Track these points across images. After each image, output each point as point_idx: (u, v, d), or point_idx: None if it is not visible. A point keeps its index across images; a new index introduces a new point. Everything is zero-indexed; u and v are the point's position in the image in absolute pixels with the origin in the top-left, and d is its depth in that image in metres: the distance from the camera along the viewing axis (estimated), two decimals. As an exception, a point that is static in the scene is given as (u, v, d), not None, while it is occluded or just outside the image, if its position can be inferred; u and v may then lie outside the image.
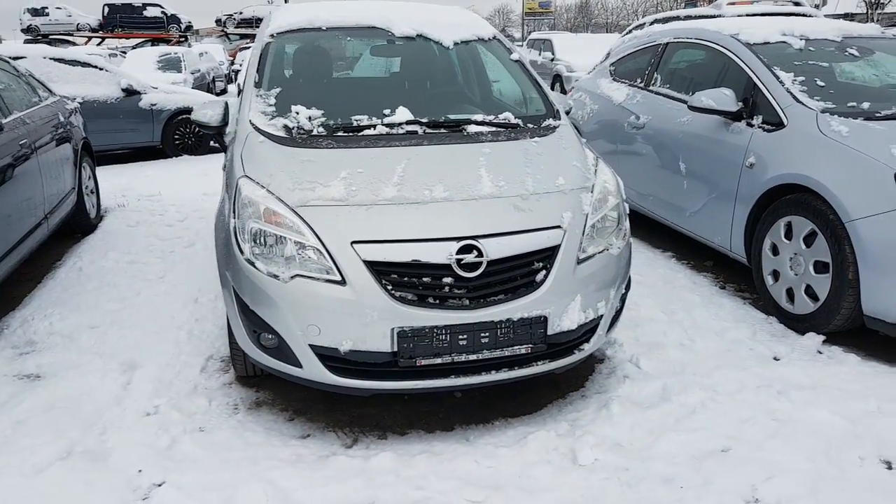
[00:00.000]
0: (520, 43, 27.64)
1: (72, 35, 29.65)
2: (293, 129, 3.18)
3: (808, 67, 4.16)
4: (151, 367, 3.32)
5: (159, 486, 2.46)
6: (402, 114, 3.28)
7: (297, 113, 3.25)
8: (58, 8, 29.74)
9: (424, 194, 2.71)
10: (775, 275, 3.83)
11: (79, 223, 5.61)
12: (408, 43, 3.82)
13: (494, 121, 3.36)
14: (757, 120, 4.04)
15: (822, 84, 4.00)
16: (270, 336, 2.67)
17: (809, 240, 3.58)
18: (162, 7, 30.89)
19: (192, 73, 15.64)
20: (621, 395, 3.01)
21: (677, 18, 9.78)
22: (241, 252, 2.71)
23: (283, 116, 3.25)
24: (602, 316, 2.85)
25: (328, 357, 2.60)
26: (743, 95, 4.20)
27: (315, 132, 3.17)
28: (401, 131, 3.20)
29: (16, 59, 7.80)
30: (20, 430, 2.80)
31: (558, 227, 2.73)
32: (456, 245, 2.57)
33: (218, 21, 34.63)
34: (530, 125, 3.39)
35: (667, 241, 5.22)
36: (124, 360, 3.37)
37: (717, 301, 4.08)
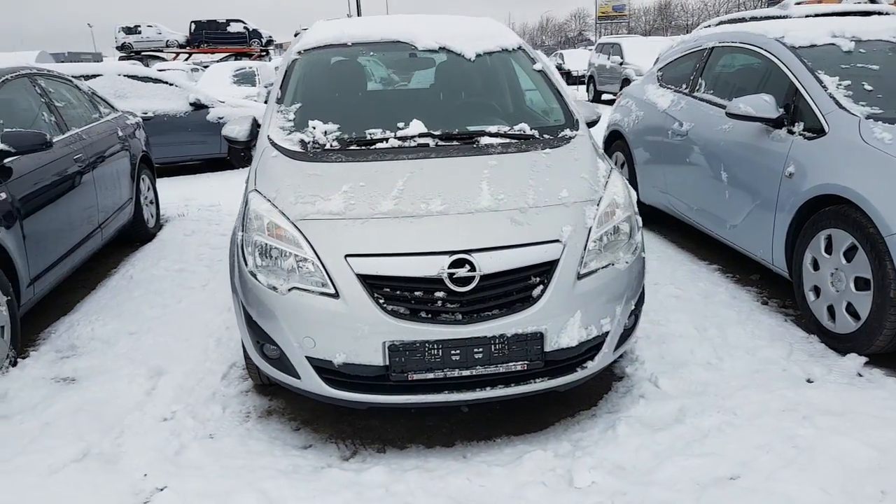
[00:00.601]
0: (590, 48, 27.21)
1: (161, 51, 31.28)
2: (308, 143, 3.24)
3: (856, 71, 3.92)
4: (177, 373, 3.44)
5: (161, 490, 2.54)
6: (416, 127, 3.29)
7: (314, 127, 3.32)
8: (149, 26, 31.47)
9: (421, 208, 2.71)
10: (816, 291, 3.62)
11: (137, 232, 5.91)
12: (431, 56, 3.84)
13: (509, 132, 3.33)
14: (798, 127, 3.83)
15: (870, 88, 3.75)
16: (273, 347, 2.73)
17: (850, 254, 3.36)
18: (244, 23, 32.20)
19: (266, 87, 16.18)
20: (632, 416, 2.91)
21: (743, 20, 9.41)
22: (246, 264, 2.79)
23: (300, 131, 3.33)
24: (608, 333, 2.76)
25: (323, 369, 2.63)
26: (785, 101, 3.99)
27: (328, 146, 3.22)
28: (412, 144, 3.21)
29: (93, 76, 8.33)
30: (46, 432, 2.96)
31: (557, 241, 2.67)
32: (448, 259, 2.55)
33: (296, 34, 35.72)
34: (546, 136, 3.33)
35: (714, 253, 5.01)
36: (153, 367, 3.50)
37: (755, 318, 3.88)
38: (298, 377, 2.69)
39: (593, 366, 2.76)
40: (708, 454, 2.63)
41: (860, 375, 3.21)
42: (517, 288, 2.61)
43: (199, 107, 9.21)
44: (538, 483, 2.50)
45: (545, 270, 2.64)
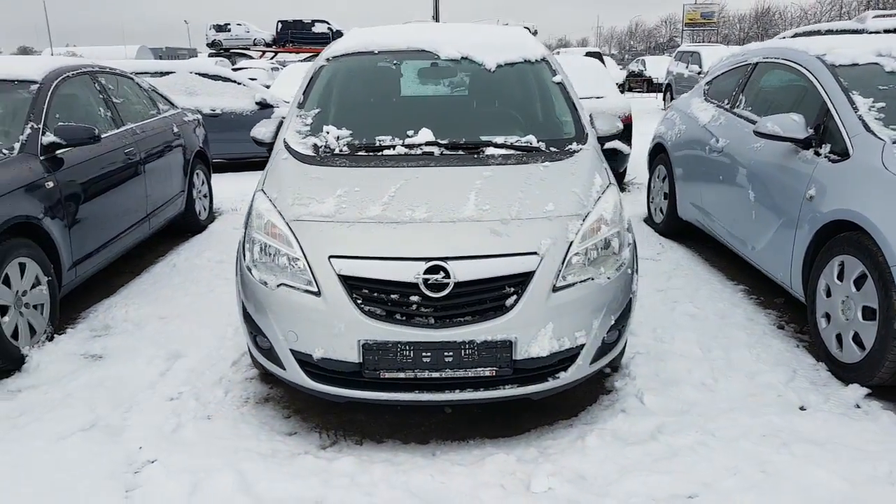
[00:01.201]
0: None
1: (249, 49, 32.56)
2: (321, 147, 3.42)
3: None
4: (192, 357, 3.68)
5: (152, 462, 2.76)
6: (424, 135, 3.41)
7: (328, 132, 3.49)
8: (238, 24, 32.84)
9: (406, 214, 2.82)
10: (828, 318, 3.52)
11: (189, 224, 6.27)
12: (452, 65, 3.95)
13: (515, 144, 3.40)
14: (825, 149, 3.74)
15: (904, 111, 3.62)
16: (264, 339, 2.90)
17: (860, 283, 3.27)
18: (328, 23, 33.14)
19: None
20: (607, 429, 2.93)
21: (819, 32, 9.08)
22: (244, 259, 2.98)
23: (315, 135, 3.51)
24: (583, 346, 2.80)
25: (305, 362, 2.79)
26: (816, 122, 3.89)
27: (338, 151, 3.39)
28: (418, 152, 3.33)
29: (166, 73, 8.85)
30: (65, 402, 3.25)
31: (534, 253, 2.73)
32: (424, 265, 2.66)
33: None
34: (553, 149, 3.39)
35: (744, 274, 4.91)
36: (172, 350, 3.76)
37: (766, 341, 3.80)
38: (284, 368, 2.85)
39: (566, 377, 2.81)
40: (673, 472, 2.63)
41: (858, 407, 3.11)
42: (491, 297, 2.69)
43: (264, 106, 9.62)
44: (496, 485, 2.57)
45: (521, 281, 2.71)
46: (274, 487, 2.58)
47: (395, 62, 4.03)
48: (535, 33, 35.82)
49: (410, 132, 3.45)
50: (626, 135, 7.82)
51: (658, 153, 6.20)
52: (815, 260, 3.62)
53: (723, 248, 5.23)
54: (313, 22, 33.26)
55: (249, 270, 2.93)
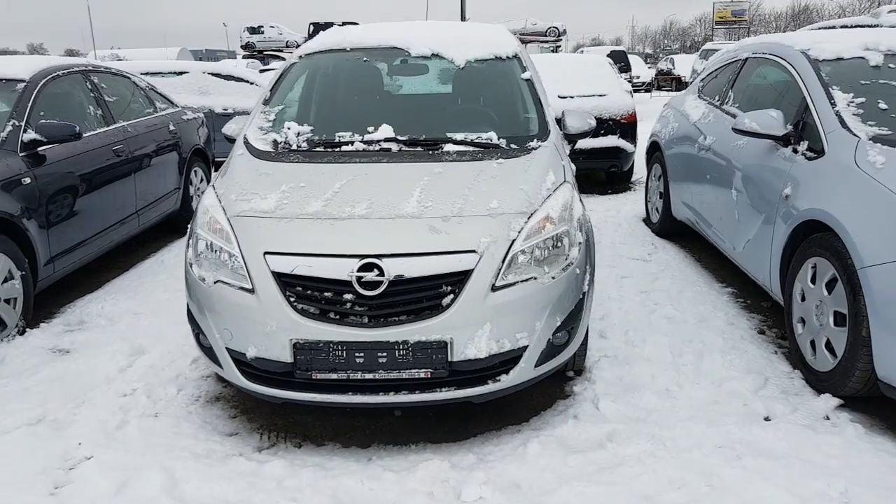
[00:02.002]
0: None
1: (282, 51, 32.87)
2: (280, 143, 3.38)
3: (878, 87, 3.60)
4: (154, 353, 3.67)
5: (88, 459, 2.74)
6: (384, 131, 3.36)
7: (289, 128, 3.45)
8: (271, 27, 33.19)
9: (345, 211, 2.76)
10: (803, 323, 3.36)
11: (185, 220, 6.30)
12: (422, 62, 3.88)
13: (475, 140, 3.32)
14: (802, 146, 3.58)
15: (885, 107, 3.44)
16: (204, 336, 2.87)
17: (831, 286, 3.11)
18: (359, 25, 33.27)
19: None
20: (554, 435, 2.83)
21: (833, 28, 8.78)
22: (187, 255, 2.95)
23: (276, 132, 3.47)
24: (525, 348, 2.71)
25: (240, 361, 2.74)
26: (796, 118, 3.73)
27: (295, 147, 3.34)
28: (376, 148, 3.28)
29: (180, 73, 8.94)
30: (20, 396, 3.26)
31: (472, 251, 2.64)
32: (357, 262, 2.59)
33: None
34: (513, 145, 3.30)
35: (734, 276, 4.74)
36: (137, 346, 3.76)
37: (742, 347, 3.65)
38: (222, 367, 2.82)
39: (508, 380, 2.72)
40: (614, 483, 2.52)
41: (826, 418, 2.95)
42: (427, 296, 2.61)
43: (274, 104, 9.64)
44: (425, 493, 2.49)
45: (458, 280, 2.63)
46: (200, 488, 2.54)
47: (364, 59, 3.98)
48: (563, 32, 35.57)
49: (371, 128, 3.40)
50: (631, 133, 7.66)
51: (654, 151, 6.05)
52: (791, 262, 3.46)
53: (716, 249, 5.06)
54: (344, 24, 33.39)
55: (191, 266, 2.90)
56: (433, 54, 3.84)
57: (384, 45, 3.93)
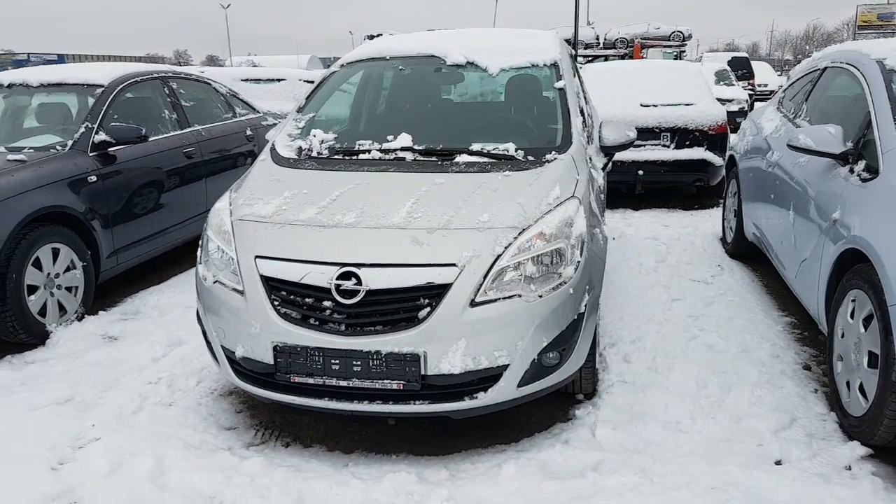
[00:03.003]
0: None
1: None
2: (304, 150, 3.48)
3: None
4: (188, 346, 3.88)
5: (96, 440, 2.94)
6: (402, 140, 3.38)
7: (314, 136, 3.54)
8: (390, 34, 34.06)
9: (335, 218, 2.80)
10: (842, 361, 3.05)
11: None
12: (457, 70, 3.87)
13: (492, 151, 3.27)
14: (859, 166, 3.25)
15: (958, 124, 3.06)
16: (205, 333, 3.00)
17: (867, 323, 2.80)
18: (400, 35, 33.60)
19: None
20: (536, 459, 2.73)
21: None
22: (199, 255, 3.10)
23: (303, 139, 3.58)
24: (506, 366, 2.63)
25: (231, 360, 2.84)
26: (858, 135, 3.40)
27: (315, 154, 3.43)
28: (391, 157, 3.30)
29: (278, 80, 9.40)
30: (60, 376, 3.54)
31: (453, 265, 2.60)
32: (337, 270, 2.62)
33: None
34: (529, 157, 3.22)
35: (799, 305, 4.36)
36: (175, 337, 3.98)
37: (778, 382, 3.36)
38: (218, 364, 2.93)
39: (487, 398, 2.65)
40: (582, 516, 2.40)
41: (847, 469, 2.67)
42: (404, 307, 2.60)
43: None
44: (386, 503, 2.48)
45: (436, 293, 2.59)
46: (181, 478, 2.65)
47: (400, 67, 4.01)
48: (688, 37, 34.17)
49: (390, 137, 3.43)
50: (720, 145, 7.24)
51: (731, 166, 5.69)
52: (835, 293, 3.15)
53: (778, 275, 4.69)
54: (371, 36, 33.83)
55: (199, 266, 3.04)
56: (468, 62, 3.82)
57: (422, 54, 3.96)
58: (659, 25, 35.75)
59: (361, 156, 3.37)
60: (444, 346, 2.56)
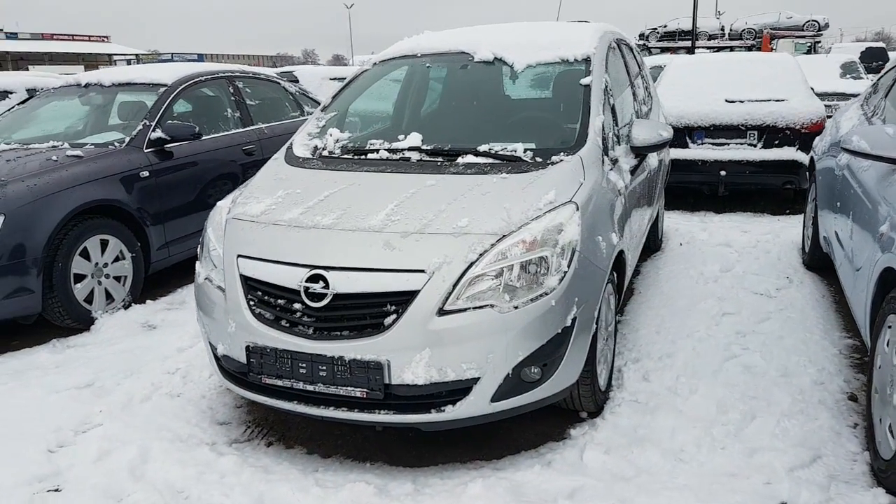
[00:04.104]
0: None
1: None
2: (318, 149, 3.48)
3: None
4: (215, 338, 3.99)
5: (98, 426, 3.07)
6: (411, 139, 3.31)
7: (330, 135, 3.54)
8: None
9: (315, 220, 2.76)
10: (878, 393, 2.67)
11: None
12: (484, 66, 3.73)
13: (499, 152, 3.13)
14: (918, 172, 2.83)
15: None
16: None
17: (902, 354, 2.43)
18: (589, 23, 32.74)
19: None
20: (511, 479, 2.57)
21: None
22: (199, 251, 3.16)
23: (320, 137, 3.58)
24: (476, 379, 2.49)
25: (216, 356, 2.88)
26: (924, 137, 2.96)
27: (327, 153, 3.42)
28: (396, 157, 3.24)
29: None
30: (91, 361, 3.75)
31: (421, 271, 2.49)
32: (307, 273, 2.58)
33: (641, 35, 35.07)
34: (538, 158, 3.05)
35: (869, 325, 3.89)
36: (206, 329, 4.11)
37: (812, 413, 3.00)
38: (210, 358, 2.98)
39: (456, 412, 2.52)
40: (538, 546, 2.23)
41: (862, 520, 2.32)
42: (371, 313, 2.52)
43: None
44: (340, 515, 2.41)
45: (404, 300, 2.49)
46: (158, 470, 2.71)
47: (428, 65, 3.93)
48: (824, 27, 31.69)
49: (401, 137, 3.36)
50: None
51: (812, 169, 5.16)
52: (876, 319, 2.77)
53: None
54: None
55: (197, 262, 3.10)
56: (496, 58, 3.68)
57: (452, 51, 3.85)
58: (791, 14, 33.43)
59: (371, 155, 3.31)
60: (408, 355, 2.46)
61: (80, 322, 4.16)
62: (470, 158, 3.11)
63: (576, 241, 2.66)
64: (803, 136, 6.59)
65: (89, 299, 4.24)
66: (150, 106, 4.93)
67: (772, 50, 27.07)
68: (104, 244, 4.31)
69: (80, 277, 4.17)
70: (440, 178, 2.93)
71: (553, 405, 2.94)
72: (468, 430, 2.93)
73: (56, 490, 2.62)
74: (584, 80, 3.48)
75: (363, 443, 2.94)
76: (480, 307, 2.48)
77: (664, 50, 32.38)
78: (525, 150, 3.11)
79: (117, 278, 4.43)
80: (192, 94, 5.30)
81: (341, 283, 2.53)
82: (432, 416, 2.53)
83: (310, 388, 2.59)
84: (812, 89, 7.16)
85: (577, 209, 2.76)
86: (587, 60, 3.61)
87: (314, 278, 2.57)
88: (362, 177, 3.06)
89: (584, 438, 2.86)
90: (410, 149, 3.26)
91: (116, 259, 4.40)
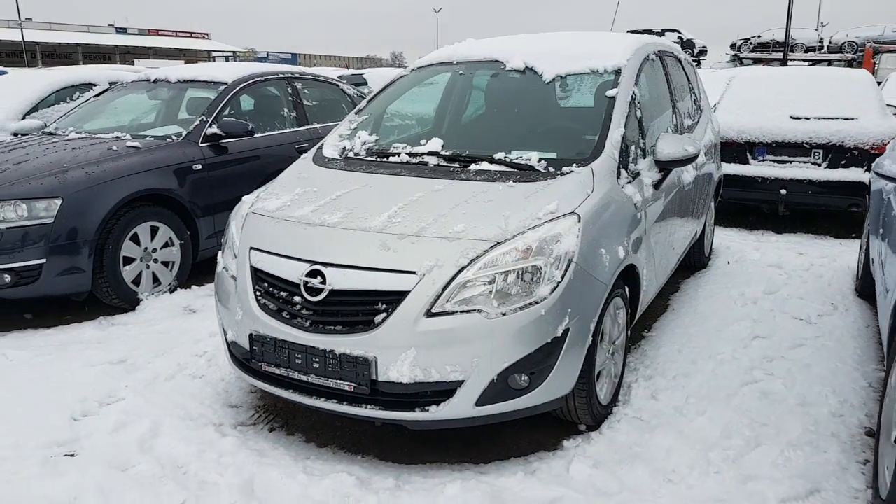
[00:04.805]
0: None
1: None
2: (346, 150, 3.61)
3: None
4: (246, 326, 4.17)
5: (121, 400, 3.28)
6: (431, 144, 3.39)
7: (359, 137, 3.66)
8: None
9: (322, 218, 2.87)
10: (887, 430, 2.55)
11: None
12: (515, 75, 3.77)
13: (513, 160, 3.17)
14: (946, 199, 2.69)
15: None
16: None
17: (905, 388, 2.32)
18: (680, 33, 31.98)
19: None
20: (493, 484, 2.60)
21: None
22: (222, 242, 3.33)
23: (349, 140, 3.70)
24: (461, 382, 2.53)
25: (227, 342, 3.03)
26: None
27: (351, 155, 3.54)
28: (415, 161, 3.32)
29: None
30: (130, 340, 3.99)
31: (413, 272, 2.55)
32: (307, 267, 2.69)
33: (732, 45, 33.90)
34: (550, 168, 3.08)
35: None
36: (240, 317, 4.30)
37: (821, 445, 2.88)
38: (223, 344, 3.14)
39: (440, 412, 2.56)
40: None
41: (846, 560, 2.23)
42: (363, 310, 2.60)
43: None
44: (318, 502, 2.49)
45: (394, 300, 2.56)
46: (164, 445, 2.88)
47: (461, 73, 3.99)
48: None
49: (423, 141, 3.44)
50: None
51: (869, 192, 4.91)
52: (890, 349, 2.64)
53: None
54: (663, 31, 32.38)
55: (219, 253, 3.27)
56: (527, 68, 3.70)
57: (486, 59, 3.90)
58: (885, 24, 31.57)
59: (392, 158, 3.40)
60: (395, 353, 2.53)
61: (126, 302, 4.44)
62: (483, 165, 3.15)
63: (572, 253, 2.67)
64: (872, 157, 6.26)
65: (137, 281, 4.52)
66: (209, 102, 5.20)
67: (874, 65, 25.63)
68: (154, 231, 4.58)
69: (129, 260, 4.45)
70: (448, 184, 2.99)
71: (552, 416, 2.96)
72: (462, 432, 2.98)
73: (71, 455, 2.82)
74: (610, 92, 3.45)
75: (360, 436, 3.02)
76: (468, 311, 2.52)
77: (756, 61, 31.21)
78: (539, 160, 3.13)
79: (165, 263, 4.69)
80: (251, 93, 5.55)
81: (337, 280, 2.63)
82: (416, 415, 2.59)
83: (304, 378, 2.70)
84: (893, 107, 6.79)
85: (579, 220, 2.76)
86: (617, 72, 3.59)
87: (313, 273, 2.67)
88: (376, 179, 3.16)
89: (576, 451, 2.85)
90: (430, 153, 3.34)
91: (165, 245, 4.67)
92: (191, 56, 61.81)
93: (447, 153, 3.31)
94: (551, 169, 3.07)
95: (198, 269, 5.05)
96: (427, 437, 2.98)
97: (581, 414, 2.93)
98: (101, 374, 3.53)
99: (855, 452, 2.84)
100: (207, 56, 62.44)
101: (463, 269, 2.56)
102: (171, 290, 4.73)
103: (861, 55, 29.40)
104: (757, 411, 3.17)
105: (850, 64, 29.66)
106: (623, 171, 3.22)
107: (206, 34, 72.68)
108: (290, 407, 3.27)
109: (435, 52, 4.28)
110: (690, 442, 2.90)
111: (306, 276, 2.68)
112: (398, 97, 4.06)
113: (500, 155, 3.20)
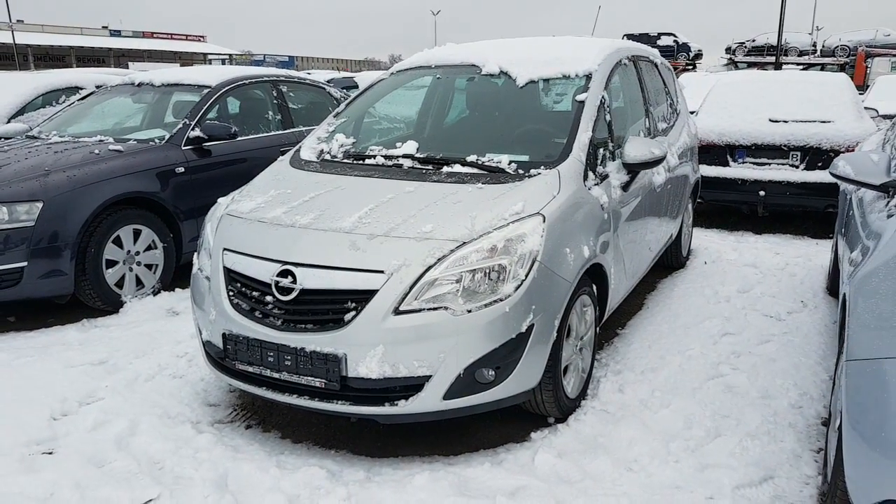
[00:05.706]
0: None
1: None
2: (323, 153, 3.69)
3: None
4: (228, 327, 4.25)
5: (100, 399, 3.35)
6: (407, 147, 3.47)
7: (336, 140, 3.74)
8: (578, 40, 33.64)
9: (294, 219, 2.95)
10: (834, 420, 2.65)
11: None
12: (490, 80, 3.86)
13: (484, 163, 3.25)
14: (894, 200, 2.79)
15: None
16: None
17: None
18: (675, 36, 32.22)
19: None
20: (459, 475, 2.69)
21: None
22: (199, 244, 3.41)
23: (326, 142, 3.79)
24: (428, 377, 2.62)
25: (202, 341, 3.11)
26: (912, 163, 2.92)
27: (328, 157, 3.62)
28: (389, 163, 3.41)
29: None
30: (111, 341, 4.06)
31: (381, 271, 2.64)
32: (278, 268, 2.77)
33: (727, 49, 34.17)
34: (520, 170, 3.17)
35: None
36: (221, 318, 4.38)
37: (778, 435, 2.98)
38: (199, 343, 3.22)
39: (409, 406, 2.65)
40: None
41: (794, 543, 2.32)
42: (333, 309, 2.68)
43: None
44: (289, 494, 2.56)
45: (363, 298, 2.65)
46: (141, 443, 2.95)
47: (438, 76, 4.08)
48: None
49: (399, 144, 3.53)
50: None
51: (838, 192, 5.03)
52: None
53: None
54: (659, 35, 32.59)
55: (195, 255, 3.35)
56: (501, 72, 3.80)
57: (463, 63, 3.99)
58: (889, 32, 31.88)
59: (368, 161, 3.49)
60: (364, 350, 2.61)
61: (109, 304, 4.51)
62: (456, 168, 3.24)
63: (536, 252, 2.76)
64: (848, 158, 6.37)
65: (120, 284, 4.59)
66: (192, 106, 5.27)
67: (866, 69, 25.84)
68: (137, 234, 4.65)
69: (112, 263, 4.52)
70: (419, 185, 3.08)
71: (522, 409, 3.05)
72: (434, 426, 3.06)
73: (49, 453, 2.89)
74: (580, 97, 3.55)
75: (335, 432, 3.11)
76: (435, 309, 2.61)
77: (751, 65, 31.46)
78: (510, 163, 3.22)
79: (148, 266, 4.76)
80: (236, 96, 5.62)
81: (308, 279, 2.71)
82: (386, 410, 2.67)
83: (276, 375, 2.78)
84: (876, 111, 6.91)
85: (544, 221, 2.85)
86: (588, 77, 3.68)
87: (284, 273, 2.76)
88: (349, 181, 3.24)
89: (543, 442, 2.94)
90: (404, 156, 3.42)
91: (148, 248, 4.74)
92: (186, 59, 61.69)
93: (421, 156, 3.40)
94: (520, 171, 3.16)
95: (181, 271, 5.10)
96: (398, 432, 3.06)
97: (548, 407, 3.02)
98: (81, 374, 3.60)
99: (810, 442, 2.94)
100: (203, 59, 62.34)
101: (430, 268, 2.64)
102: (155, 293, 4.80)
103: (853, 59, 29.65)
104: (720, 404, 3.27)
105: (842, 67, 29.89)
106: (590, 174, 3.31)
107: (203, 37, 72.58)
108: (267, 405, 3.34)
109: (415, 56, 4.37)
110: (653, 433, 3.00)
111: (277, 276, 2.76)
112: (377, 100, 4.14)
113: (472, 157, 3.29)
